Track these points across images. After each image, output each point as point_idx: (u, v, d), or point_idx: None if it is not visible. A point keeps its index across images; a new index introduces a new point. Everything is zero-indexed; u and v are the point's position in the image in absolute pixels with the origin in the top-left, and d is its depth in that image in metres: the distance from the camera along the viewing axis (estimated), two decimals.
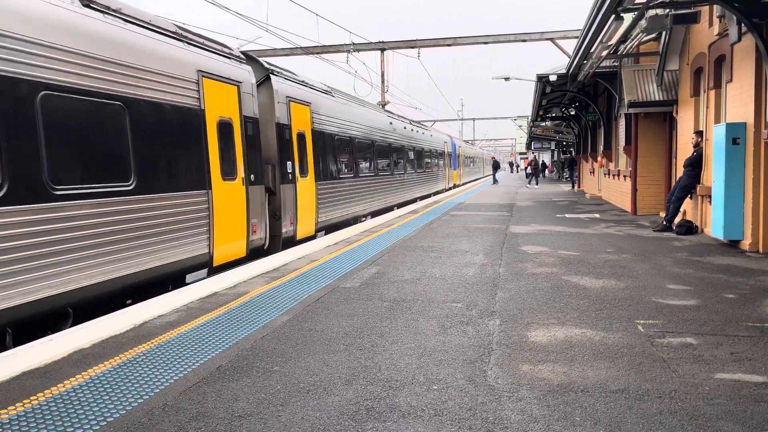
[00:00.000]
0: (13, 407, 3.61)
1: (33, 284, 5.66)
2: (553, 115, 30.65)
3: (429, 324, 5.30)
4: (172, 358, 4.45)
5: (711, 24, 10.88)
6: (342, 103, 15.52)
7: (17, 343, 5.55)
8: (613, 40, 12.21)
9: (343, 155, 15.17)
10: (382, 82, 28.29)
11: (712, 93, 10.99)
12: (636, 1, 9.68)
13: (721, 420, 3.32)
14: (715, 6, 10.20)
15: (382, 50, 26.80)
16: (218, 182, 8.79)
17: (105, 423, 3.37)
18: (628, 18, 10.60)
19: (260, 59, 11.47)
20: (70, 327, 5.96)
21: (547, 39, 23.35)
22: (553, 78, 18.29)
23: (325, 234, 13.22)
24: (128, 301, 7.16)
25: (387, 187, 19.63)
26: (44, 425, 3.36)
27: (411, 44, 25.95)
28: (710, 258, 8.64)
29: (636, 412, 3.43)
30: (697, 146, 11.57)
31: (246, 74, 9.95)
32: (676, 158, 13.77)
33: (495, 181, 40.50)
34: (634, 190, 15.51)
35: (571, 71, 15.52)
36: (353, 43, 25.74)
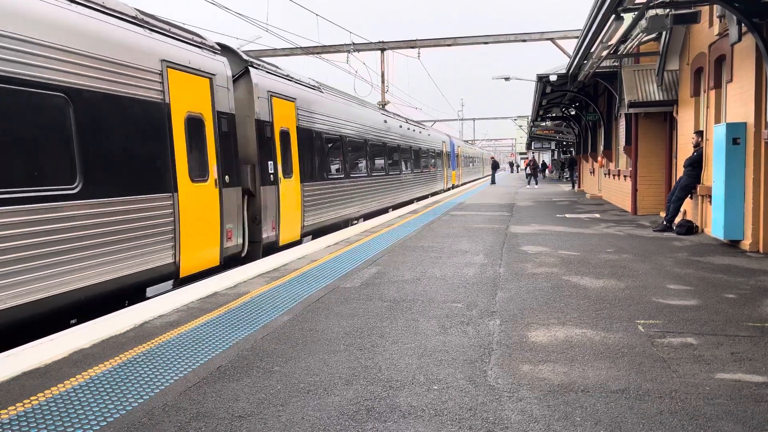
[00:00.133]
0: (13, 407, 3.61)
1: None
2: (554, 115, 30.65)
3: (429, 324, 5.30)
4: (173, 358, 4.45)
5: (711, 24, 10.88)
6: (332, 99, 14.75)
7: None
8: (613, 40, 12.22)
9: (333, 155, 14.42)
10: (382, 82, 28.30)
11: (713, 93, 10.99)
12: (636, 1, 9.68)
13: (721, 420, 3.32)
14: (715, 6, 10.20)
15: (382, 50, 26.81)
16: (186, 184, 8.03)
17: (105, 423, 3.37)
18: (628, 18, 10.60)
19: (238, 50, 10.65)
20: None
21: (547, 39, 23.36)
22: (553, 78, 18.29)
23: (313, 239, 12.45)
24: (72, 321, 6.23)
25: (381, 188, 18.93)
26: (44, 425, 3.36)
27: (411, 44, 25.96)
28: (710, 258, 8.64)
29: (636, 412, 3.43)
30: (698, 146, 11.57)
31: (220, 66, 9.18)
32: (676, 158, 13.77)
33: (494, 181, 40.37)
34: (635, 190, 15.51)
35: (571, 71, 15.52)
36: (353, 43, 25.75)
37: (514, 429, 3.24)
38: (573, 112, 27.87)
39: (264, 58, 15.09)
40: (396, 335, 4.97)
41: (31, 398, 3.74)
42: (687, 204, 12.16)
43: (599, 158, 22.92)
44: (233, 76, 10.04)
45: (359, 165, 16.68)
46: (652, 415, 3.38)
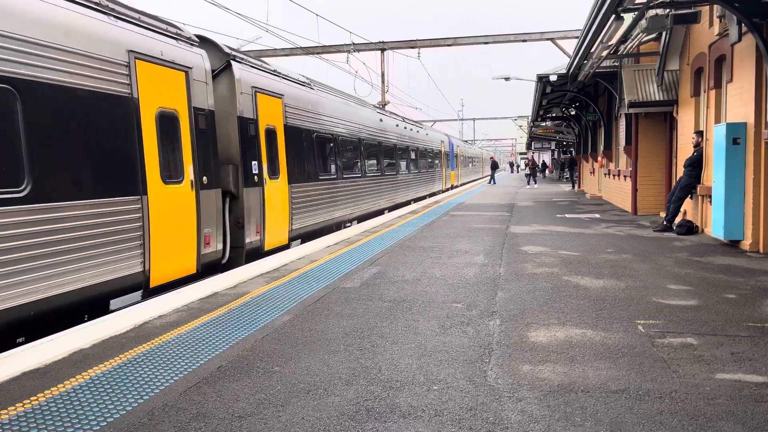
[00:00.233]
0: (13, 407, 3.61)
1: None
2: (554, 115, 30.65)
3: (429, 324, 5.30)
4: (173, 359, 4.45)
5: (711, 24, 10.88)
6: (323, 96, 14.00)
7: None
8: (614, 40, 12.21)
9: (324, 154, 13.71)
10: (383, 82, 28.30)
11: (713, 93, 10.99)
12: (636, 1, 9.68)
13: (721, 420, 3.32)
14: (715, 6, 10.20)
15: (382, 50, 26.80)
16: (157, 186, 7.42)
17: (105, 423, 3.37)
18: (628, 18, 10.59)
19: (220, 43, 9.93)
20: None
21: (547, 39, 23.35)
22: (553, 78, 18.30)
23: (302, 243, 11.87)
24: (19, 340, 5.63)
25: (376, 189, 18.22)
26: (44, 425, 3.36)
27: (411, 44, 25.95)
28: (711, 258, 8.64)
29: (636, 412, 3.43)
30: (698, 146, 11.57)
31: (198, 59, 8.53)
32: (676, 158, 13.77)
33: (493, 181, 40.27)
34: (635, 190, 15.51)
35: (571, 71, 15.53)
36: (353, 43, 25.75)
37: (514, 429, 3.24)
38: (573, 112, 27.88)
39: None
40: (396, 335, 4.97)
41: (31, 398, 3.74)
42: (687, 204, 12.16)
43: (599, 158, 22.93)
44: (214, 71, 9.51)
45: (352, 165, 16.02)
46: (653, 416, 3.38)
